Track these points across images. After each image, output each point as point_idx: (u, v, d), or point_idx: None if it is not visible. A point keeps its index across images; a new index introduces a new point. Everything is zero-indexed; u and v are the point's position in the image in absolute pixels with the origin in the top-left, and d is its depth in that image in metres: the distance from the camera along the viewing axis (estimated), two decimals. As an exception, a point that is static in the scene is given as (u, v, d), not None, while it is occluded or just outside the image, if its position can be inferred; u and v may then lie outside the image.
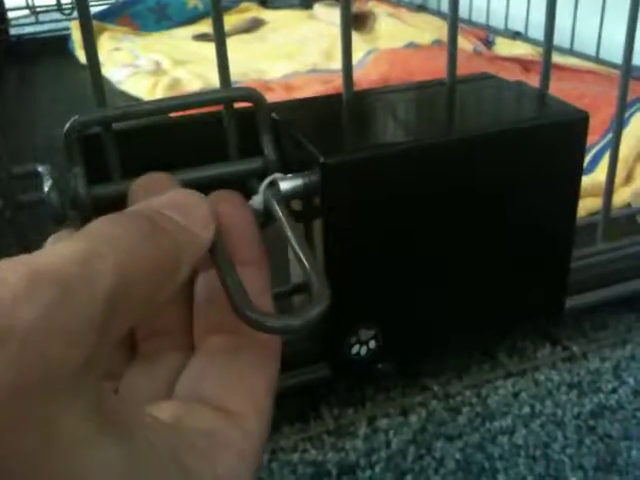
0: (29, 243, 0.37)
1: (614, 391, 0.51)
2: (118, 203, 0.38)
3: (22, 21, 1.68)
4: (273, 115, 0.39)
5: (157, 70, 1.30)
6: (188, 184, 0.38)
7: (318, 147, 0.35)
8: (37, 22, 1.66)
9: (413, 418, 0.49)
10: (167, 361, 0.27)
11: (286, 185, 0.37)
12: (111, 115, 0.35)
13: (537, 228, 0.43)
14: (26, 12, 1.66)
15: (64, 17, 1.62)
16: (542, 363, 0.54)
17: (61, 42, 1.54)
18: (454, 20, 0.39)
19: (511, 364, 0.54)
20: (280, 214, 0.34)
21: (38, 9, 1.66)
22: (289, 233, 0.31)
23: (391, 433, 0.48)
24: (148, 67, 1.32)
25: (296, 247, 0.29)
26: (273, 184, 0.37)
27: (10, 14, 1.66)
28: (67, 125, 0.33)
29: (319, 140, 0.36)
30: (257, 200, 0.37)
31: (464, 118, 0.40)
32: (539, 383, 0.52)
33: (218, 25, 0.34)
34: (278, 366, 0.27)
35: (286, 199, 0.36)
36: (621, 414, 0.49)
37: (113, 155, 0.36)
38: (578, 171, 0.40)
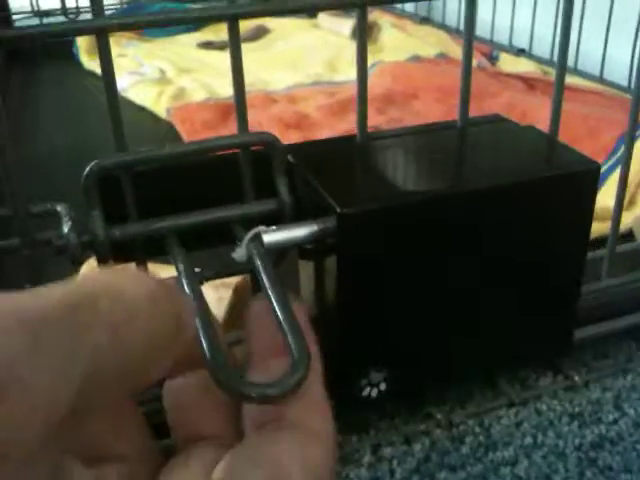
0: (47, 282, 0.37)
1: (615, 422, 0.52)
2: (135, 244, 0.39)
3: (26, 24, 1.68)
4: (289, 158, 0.40)
5: (162, 79, 1.31)
6: (203, 225, 0.39)
7: (334, 196, 0.36)
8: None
9: (417, 447, 0.50)
10: (204, 454, 0.25)
11: (270, 238, 0.35)
12: (131, 160, 0.35)
13: (547, 272, 0.43)
14: (30, 15, 1.66)
15: (69, 21, 1.62)
16: (544, 392, 0.55)
17: (65, 46, 1.54)
18: (468, 66, 0.40)
19: (513, 393, 0.55)
20: (262, 273, 0.32)
21: (43, 12, 1.66)
22: (272, 296, 0.29)
23: (395, 462, 0.49)
24: (153, 75, 1.32)
25: (277, 310, 0.27)
26: (257, 236, 0.35)
27: (14, 17, 1.66)
28: (87, 169, 0.34)
29: (335, 188, 0.36)
30: (240, 253, 0.35)
31: (476, 167, 0.41)
32: (541, 413, 0.53)
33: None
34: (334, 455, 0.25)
35: (270, 252, 0.35)
36: (622, 446, 0.50)
37: (131, 198, 0.36)
38: (588, 218, 0.41)
